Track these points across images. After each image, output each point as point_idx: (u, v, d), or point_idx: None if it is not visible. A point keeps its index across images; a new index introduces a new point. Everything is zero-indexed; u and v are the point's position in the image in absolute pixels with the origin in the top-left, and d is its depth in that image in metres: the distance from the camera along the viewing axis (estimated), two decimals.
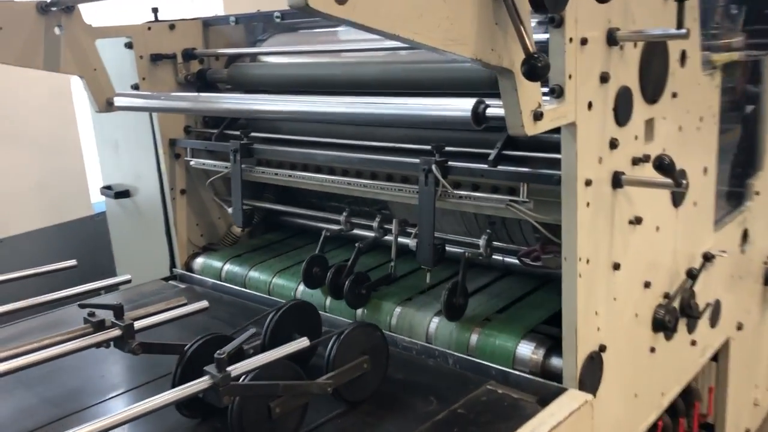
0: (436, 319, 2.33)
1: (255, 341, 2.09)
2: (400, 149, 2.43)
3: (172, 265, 3.21)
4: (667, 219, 2.34)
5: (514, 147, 2.16)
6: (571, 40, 1.74)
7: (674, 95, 2.25)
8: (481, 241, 2.31)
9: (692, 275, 2.43)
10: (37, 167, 4.21)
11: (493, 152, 2.10)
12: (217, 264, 3.05)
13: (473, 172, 2.13)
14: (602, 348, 2.06)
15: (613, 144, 1.96)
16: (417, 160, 2.21)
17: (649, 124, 2.17)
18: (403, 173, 2.38)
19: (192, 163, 3.03)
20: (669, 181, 1.88)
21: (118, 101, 2.74)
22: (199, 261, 3.14)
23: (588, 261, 1.94)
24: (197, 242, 3.25)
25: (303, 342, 1.80)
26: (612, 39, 1.87)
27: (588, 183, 1.88)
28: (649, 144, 2.17)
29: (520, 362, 2.12)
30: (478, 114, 1.76)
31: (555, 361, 2.09)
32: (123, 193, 3.32)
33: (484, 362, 2.17)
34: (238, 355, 1.80)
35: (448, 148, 2.22)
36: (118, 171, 3.36)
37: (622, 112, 1.97)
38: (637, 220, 2.13)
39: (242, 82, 2.98)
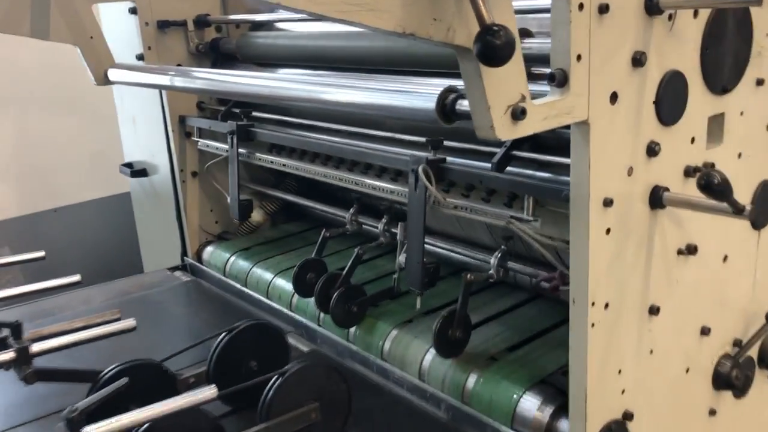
0: (432, 352, 1.90)
1: (201, 369, 1.76)
2: (402, 141, 1.99)
3: (184, 253, 2.94)
4: (741, 246, 1.78)
5: (532, 146, 1.67)
6: (581, 6, 1.24)
7: (760, 82, 1.68)
8: (493, 260, 1.85)
9: None
10: (93, 137, 4.10)
11: (499, 151, 1.63)
12: (224, 256, 2.74)
13: (471, 177, 1.67)
14: (627, 416, 1.56)
15: (653, 150, 1.44)
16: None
17: (717, 121, 1.62)
18: (399, 168, 1.95)
19: (199, 144, 2.72)
20: (723, 204, 1.35)
21: (113, 74, 2.45)
22: (209, 251, 2.84)
23: (607, 305, 1.45)
24: (212, 230, 2.95)
25: (208, 392, 1.43)
26: (653, 6, 1.35)
27: (608, 203, 1.38)
28: (716, 148, 1.62)
29: (520, 420, 1.67)
30: (445, 106, 1.30)
31: (564, 425, 1.62)
32: (140, 172, 3.07)
33: (479, 415, 1.73)
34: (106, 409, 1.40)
35: (449, 143, 1.77)
36: (137, 148, 3.12)
37: (668, 106, 1.45)
38: (691, 250, 1.60)
39: (249, 55, 2.62)
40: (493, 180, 1.62)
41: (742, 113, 1.66)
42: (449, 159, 1.77)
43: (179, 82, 2.19)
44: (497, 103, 1.15)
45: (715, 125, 1.63)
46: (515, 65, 1.15)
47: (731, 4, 1.43)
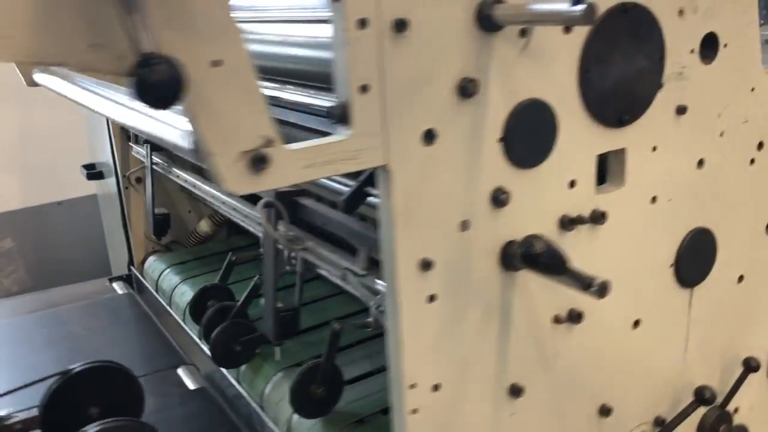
0: None
1: (34, 414, 1.59)
2: None
3: (130, 261, 2.80)
4: (663, 308, 1.46)
5: None
6: (363, 23, 0.97)
7: (681, 110, 1.35)
8: (372, 307, 1.60)
9: (707, 399, 1.52)
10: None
11: (348, 189, 1.37)
12: (160, 268, 2.58)
13: (316, 217, 1.42)
14: None
15: (499, 199, 1.15)
16: None
17: (617, 159, 1.31)
18: None
19: (132, 150, 2.56)
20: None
21: (39, 78, 2.31)
22: (149, 261, 2.69)
23: (437, 387, 1.18)
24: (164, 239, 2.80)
25: None
26: (487, 20, 1.06)
27: (427, 265, 1.11)
28: (615, 192, 1.31)
29: None
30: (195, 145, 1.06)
31: None
32: (97, 174, 2.95)
33: None
34: None
35: None
36: (98, 148, 3.00)
37: (523, 144, 1.16)
38: (574, 317, 1.30)
39: None
40: (331, 223, 1.37)
41: (655, 149, 1.34)
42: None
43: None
44: (225, 149, 0.91)
45: (616, 164, 1.32)
46: (249, 100, 0.91)
47: (559, 23, 1.11)
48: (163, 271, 2.54)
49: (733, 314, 1.60)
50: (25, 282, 4.27)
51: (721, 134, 1.44)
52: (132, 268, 2.78)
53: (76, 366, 1.59)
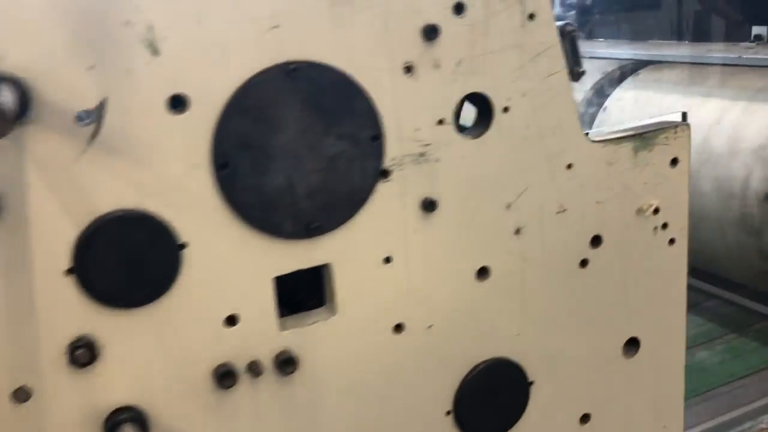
0: None
1: None
2: None
3: None
4: None
5: None
6: None
7: (430, 206, 0.94)
8: None
9: None
10: None
11: None
12: None
13: None
14: None
15: (77, 354, 0.79)
16: None
17: (325, 278, 0.91)
18: None
19: None
20: None
21: None
22: None
23: None
24: None
25: None
26: None
27: None
28: (317, 325, 0.92)
29: None
30: None
31: None
32: None
33: None
34: None
35: None
36: None
37: (112, 272, 0.79)
38: None
39: None
40: None
41: (388, 260, 0.94)
42: None
43: None
44: None
45: (326, 285, 0.92)
46: None
47: None
48: None
49: None
50: None
51: (517, 232, 1.01)
52: None
53: None
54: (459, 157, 0.94)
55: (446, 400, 1.03)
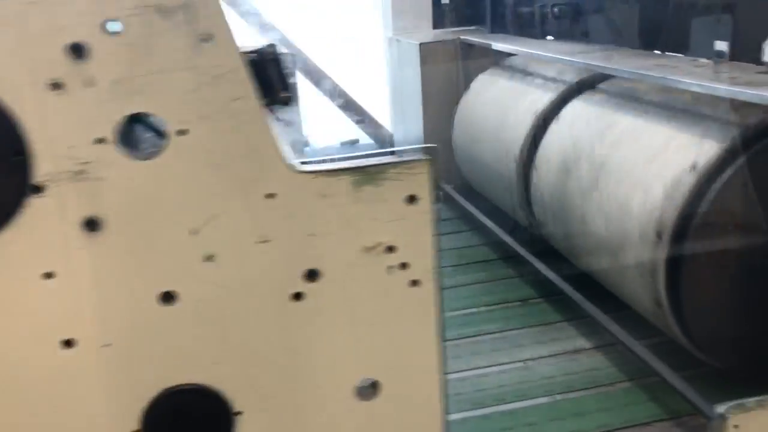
0: None
1: None
2: None
3: None
4: None
5: None
6: None
7: (93, 225, 0.92)
8: None
9: None
10: None
11: None
12: None
13: None
14: None
15: None
16: None
17: None
18: None
19: None
20: None
21: None
22: None
23: None
24: None
25: None
26: None
27: None
28: None
29: None
30: None
31: None
32: None
33: None
34: None
35: None
36: None
37: None
38: None
39: None
40: None
41: (50, 275, 0.93)
42: None
43: None
44: None
45: None
46: None
47: None
48: None
49: None
50: None
51: (209, 258, 0.97)
52: None
53: None
54: (127, 177, 0.92)
55: (131, 418, 1.01)
